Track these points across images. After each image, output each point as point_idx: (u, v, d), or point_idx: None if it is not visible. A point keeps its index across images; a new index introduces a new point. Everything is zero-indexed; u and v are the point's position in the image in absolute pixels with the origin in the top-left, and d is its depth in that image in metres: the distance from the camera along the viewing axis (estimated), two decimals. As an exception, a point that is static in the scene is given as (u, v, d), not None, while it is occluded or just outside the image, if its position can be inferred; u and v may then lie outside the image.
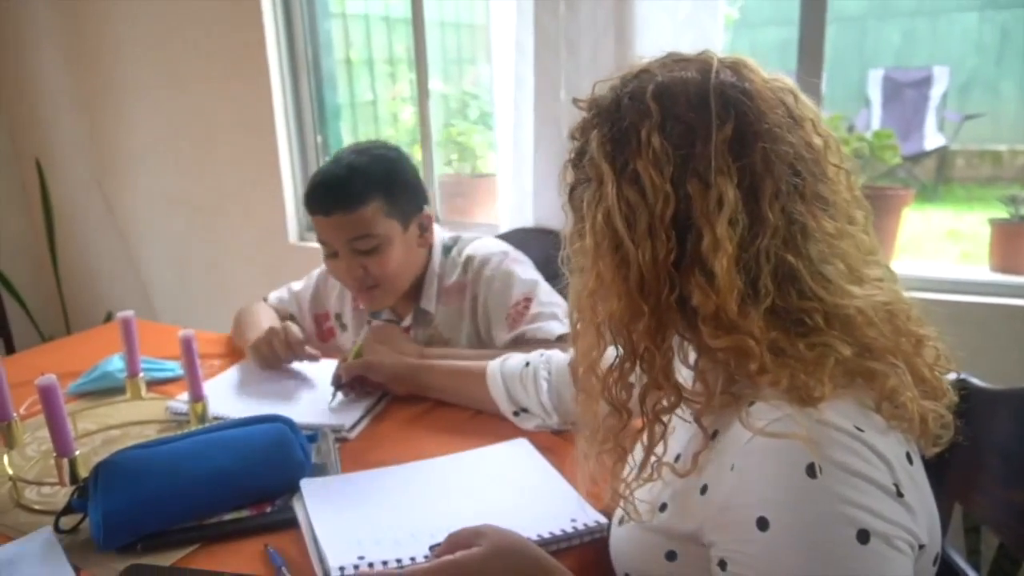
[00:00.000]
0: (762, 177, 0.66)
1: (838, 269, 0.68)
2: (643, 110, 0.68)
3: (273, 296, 1.68)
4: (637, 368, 0.71)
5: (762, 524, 0.62)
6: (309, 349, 1.40)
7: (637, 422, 0.74)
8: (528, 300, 1.39)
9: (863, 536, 0.60)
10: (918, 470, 0.69)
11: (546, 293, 1.41)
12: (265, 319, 1.53)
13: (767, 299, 0.65)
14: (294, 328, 1.44)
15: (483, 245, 1.49)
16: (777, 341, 0.66)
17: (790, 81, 0.72)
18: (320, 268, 1.62)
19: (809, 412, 0.63)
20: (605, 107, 0.71)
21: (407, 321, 1.49)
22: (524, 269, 1.45)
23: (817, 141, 0.70)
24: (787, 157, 0.67)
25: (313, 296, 1.63)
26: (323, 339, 1.64)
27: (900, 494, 0.62)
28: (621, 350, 0.71)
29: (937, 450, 0.72)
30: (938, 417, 0.71)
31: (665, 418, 0.72)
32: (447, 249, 1.49)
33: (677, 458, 0.75)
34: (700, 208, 0.65)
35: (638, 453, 0.76)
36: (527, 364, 1.16)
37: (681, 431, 0.78)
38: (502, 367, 1.18)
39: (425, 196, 1.44)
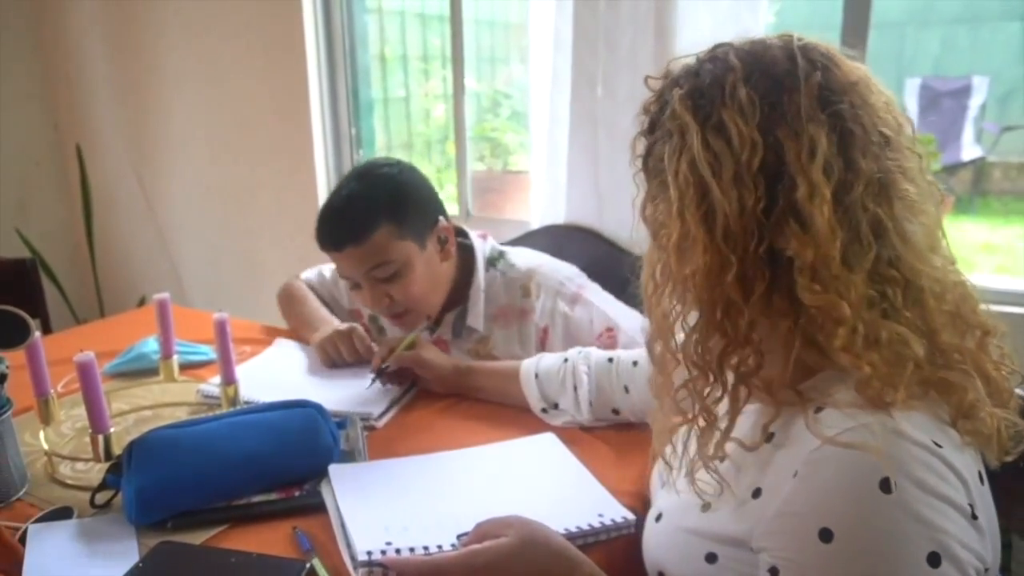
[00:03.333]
0: (852, 125, 0.64)
1: (917, 229, 0.66)
2: (727, 66, 0.66)
3: (309, 275, 1.63)
4: (717, 334, 0.67)
5: (825, 536, 0.59)
6: (375, 347, 1.37)
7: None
8: (611, 331, 1.35)
9: (934, 559, 0.57)
10: (987, 489, 0.67)
11: (625, 318, 1.36)
12: (325, 312, 1.51)
13: (870, 251, 0.63)
14: (360, 330, 1.41)
15: (548, 271, 1.40)
16: (864, 314, 0.63)
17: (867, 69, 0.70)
18: None
19: (884, 421, 0.60)
20: (684, 72, 0.70)
21: (446, 335, 1.45)
22: (596, 295, 1.40)
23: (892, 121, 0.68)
24: (873, 112, 0.66)
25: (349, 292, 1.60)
26: None
27: (975, 516, 0.60)
28: (704, 308, 0.67)
29: (1010, 459, 0.69)
30: (1011, 425, 0.68)
31: (749, 382, 0.68)
32: (492, 261, 1.42)
33: (723, 459, 0.72)
34: (792, 156, 0.63)
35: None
36: (565, 360, 1.16)
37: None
38: (538, 365, 1.17)
39: (439, 207, 1.37)
